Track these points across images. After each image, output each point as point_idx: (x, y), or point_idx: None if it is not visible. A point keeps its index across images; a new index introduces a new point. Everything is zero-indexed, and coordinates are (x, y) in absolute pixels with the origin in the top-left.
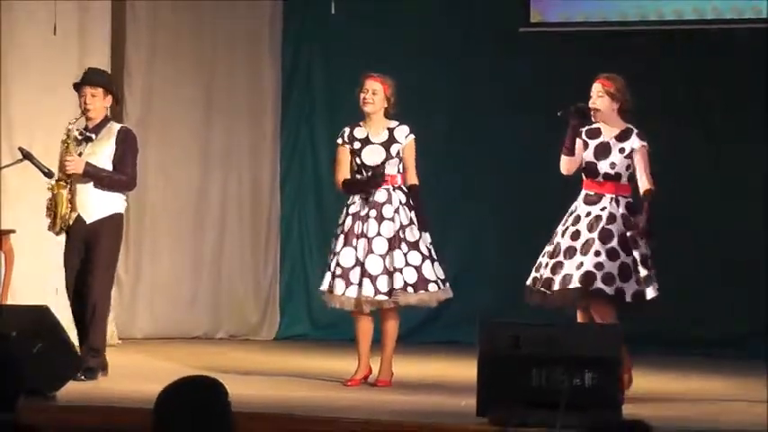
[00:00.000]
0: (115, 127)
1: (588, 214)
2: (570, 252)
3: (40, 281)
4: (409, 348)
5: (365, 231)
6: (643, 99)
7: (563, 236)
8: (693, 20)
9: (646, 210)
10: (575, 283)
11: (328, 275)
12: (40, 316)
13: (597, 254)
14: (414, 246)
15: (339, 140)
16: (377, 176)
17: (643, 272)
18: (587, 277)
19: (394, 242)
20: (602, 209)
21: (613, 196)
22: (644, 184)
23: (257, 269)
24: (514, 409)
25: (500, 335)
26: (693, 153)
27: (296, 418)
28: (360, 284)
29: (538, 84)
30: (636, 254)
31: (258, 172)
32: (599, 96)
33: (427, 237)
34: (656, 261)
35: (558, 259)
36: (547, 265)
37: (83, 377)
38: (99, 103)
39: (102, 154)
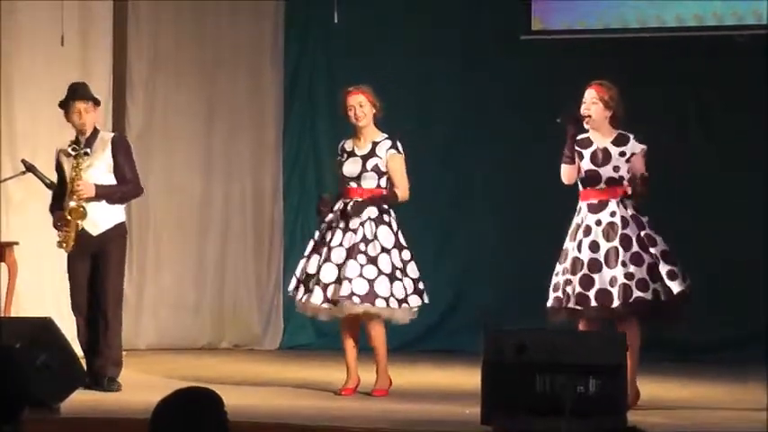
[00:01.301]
0: (107, 136)
1: (599, 223)
2: (595, 265)
3: (44, 292)
4: (413, 357)
5: (330, 241)
6: (644, 101)
7: (579, 250)
8: (694, 26)
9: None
10: (616, 301)
11: (294, 279)
12: (43, 327)
13: (624, 264)
14: (372, 260)
15: (338, 158)
16: (318, 204)
17: (665, 267)
18: (625, 291)
19: (351, 252)
20: (612, 214)
21: (618, 200)
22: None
23: (260, 278)
24: (519, 417)
25: (504, 342)
26: (693, 154)
27: (293, 427)
28: (312, 291)
29: (539, 85)
30: (655, 251)
31: (261, 180)
32: (593, 103)
33: (404, 254)
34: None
35: (584, 273)
36: (569, 282)
37: (110, 389)
38: (91, 115)
39: (101, 165)
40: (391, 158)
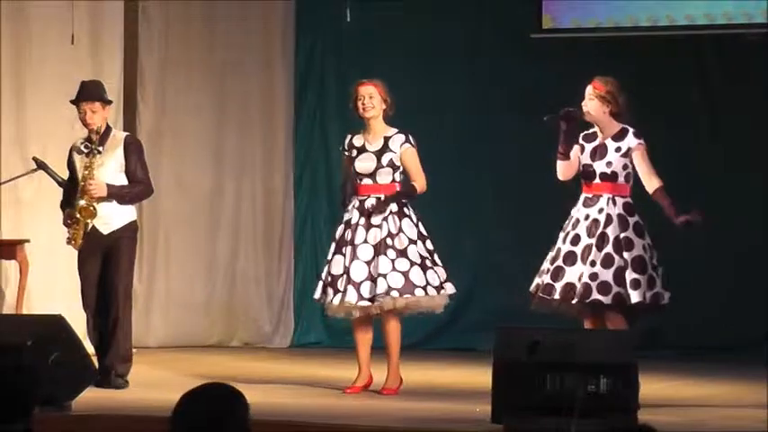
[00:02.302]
0: (120, 136)
1: (587, 217)
2: (571, 258)
3: (55, 289)
4: (424, 355)
5: (353, 239)
6: (653, 99)
7: (564, 241)
8: (704, 25)
9: (669, 205)
10: (575, 299)
11: (320, 284)
12: (55, 325)
13: (593, 264)
14: (402, 253)
15: (340, 147)
16: (344, 196)
17: (631, 275)
18: (585, 290)
19: (379, 249)
20: (600, 210)
21: (610, 196)
22: (652, 183)
23: (271, 276)
24: (529, 416)
25: (515, 341)
26: (701, 154)
27: (303, 425)
28: (344, 291)
29: (550, 83)
30: (627, 256)
31: (271, 178)
32: (589, 99)
33: (428, 244)
34: (668, 264)
35: (558, 264)
36: (548, 270)
37: (117, 386)
38: (99, 115)
39: (112, 165)
40: (406, 152)
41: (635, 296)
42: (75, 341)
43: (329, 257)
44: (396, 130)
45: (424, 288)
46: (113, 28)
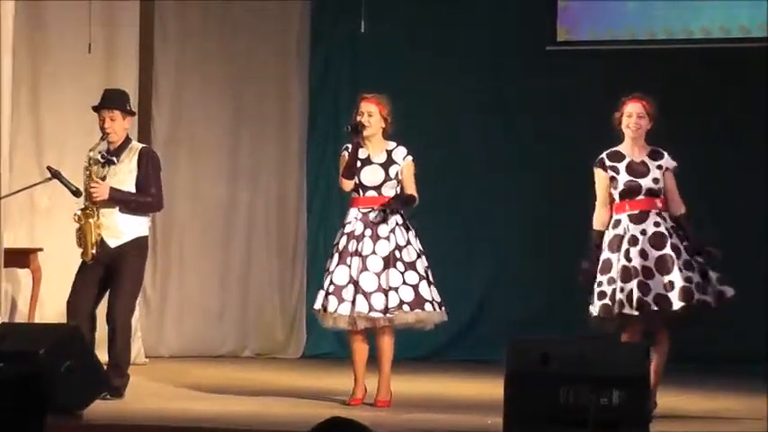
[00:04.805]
0: (136, 147)
1: (644, 232)
2: (647, 272)
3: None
4: (436, 367)
5: (360, 250)
6: (670, 110)
7: (628, 259)
8: (720, 38)
9: (692, 234)
10: (677, 304)
11: (321, 294)
12: (68, 334)
13: (680, 269)
14: (411, 266)
15: (344, 153)
16: (355, 129)
17: (714, 274)
18: (685, 293)
19: (389, 261)
20: (656, 224)
21: (658, 211)
22: (680, 207)
23: (284, 287)
24: (541, 428)
25: (527, 352)
26: (719, 164)
27: None
28: (353, 301)
29: (565, 92)
30: (701, 260)
31: (285, 189)
32: (641, 117)
33: (424, 260)
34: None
35: (639, 279)
36: (622, 289)
37: (108, 396)
38: (118, 125)
39: (126, 176)
40: (407, 165)
41: (729, 291)
42: (89, 351)
43: (331, 268)
44: (395, 144)
45: (432, 303)
46: (129, 36)
